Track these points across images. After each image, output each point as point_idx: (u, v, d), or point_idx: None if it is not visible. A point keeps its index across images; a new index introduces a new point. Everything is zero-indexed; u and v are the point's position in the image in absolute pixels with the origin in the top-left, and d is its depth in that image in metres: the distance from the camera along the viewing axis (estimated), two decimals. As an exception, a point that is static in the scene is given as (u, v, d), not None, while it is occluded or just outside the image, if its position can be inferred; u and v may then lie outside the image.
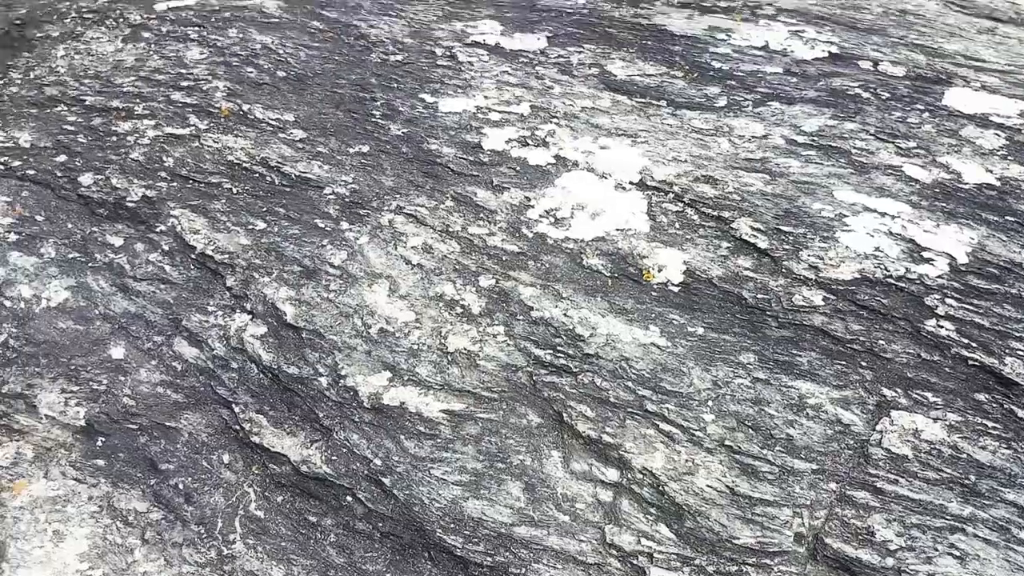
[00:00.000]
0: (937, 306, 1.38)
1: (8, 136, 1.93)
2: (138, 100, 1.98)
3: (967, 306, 1.38)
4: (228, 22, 2.26)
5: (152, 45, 2.18)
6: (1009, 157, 1.71)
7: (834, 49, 2.08)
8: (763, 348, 1.35)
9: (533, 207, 1.71)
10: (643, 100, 2.00)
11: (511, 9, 2.48)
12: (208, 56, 2.12)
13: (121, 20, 2.31)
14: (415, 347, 1.41)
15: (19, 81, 2.13)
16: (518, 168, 1.81)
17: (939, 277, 1.43)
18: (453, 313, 1.46)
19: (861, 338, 1.34)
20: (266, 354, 1.43)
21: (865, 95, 1.91)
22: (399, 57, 2.18)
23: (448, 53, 2.21)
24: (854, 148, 1.75)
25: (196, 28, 2.24)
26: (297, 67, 2.10)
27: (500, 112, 1.98)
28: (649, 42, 2.22)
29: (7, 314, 1.54)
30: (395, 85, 2.07)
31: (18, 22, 2.45)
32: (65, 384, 1.42)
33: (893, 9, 2.30)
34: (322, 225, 1.67)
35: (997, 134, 1.77)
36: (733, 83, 2.01)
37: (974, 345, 1.31)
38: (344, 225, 1.67)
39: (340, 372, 1.38)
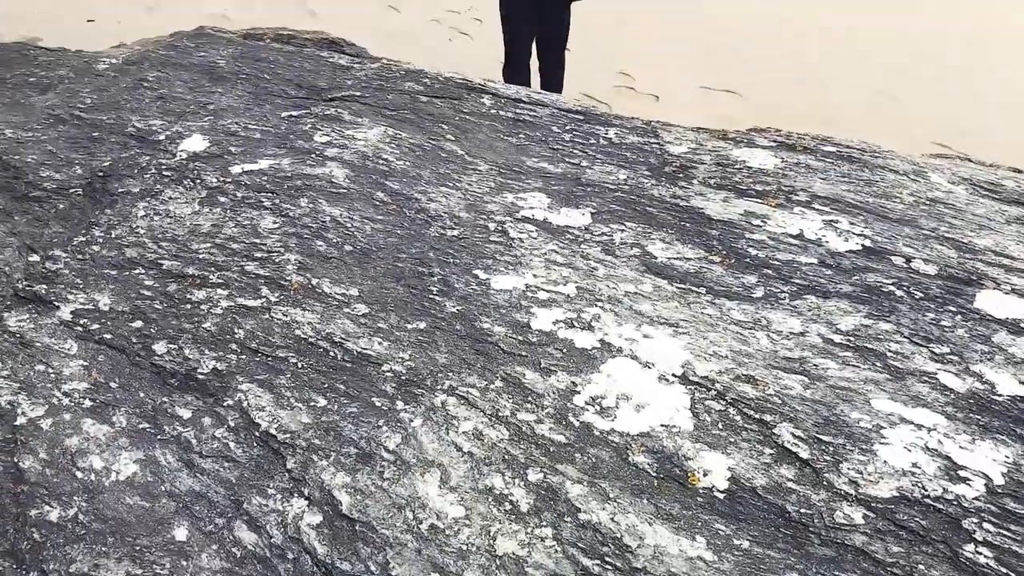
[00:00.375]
0: (975, 530, 1.42)
1: (89, 298, 2.07)
2: (213, 268, 2.12)
3: (1004, 532, 1.42)
4: (300, 191, 2.43)
5: (228, 211, 2.35)
6: (1041, 367, 1.78)
7: (867, 242, 2.18)
8: (807, 568, 1.39)
9: (579, 393, 1.79)
10: (683, 286, 2.10)
11: (558, 182, 2.64)
12: (280, 226, 2.28)
13: (198, 181, 2.50)
14: (464, 547, 1.47)
15: (101, 240, 2.29)
16: (564, 350, 1.91)
17: (976, 499, 1.47)
18: (502, 510, 1.53)
19: (901, 561, 1.39)
20: (321, 546, 1.49)
21: (899, 293, 2.01)
22: (455, 232, 2.32)
23: (500, 228, 2.35)
24: (889, 351, 1.83)
25: (269, 195, 2.41)
26: (363, 241, 2.24)
27: (548, 292, 2.09)
28: (687, 224, 2.35)
29: (78, 486, 1.63)
30: (451, 260, 2.20)
31: (101, 174, 2.64)
32: (130, 566, 1.49)
33: (924, 198, 2.42)
34: (379, 404, 1.76)
35: (1028, 342, 1.84)
36: (770, 272, 2.12)
37: (1013, 576, 1.35)
38: (399, 405, 1.76)
39: (391, 572, 1.44)
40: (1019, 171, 2.89)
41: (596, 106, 5.21)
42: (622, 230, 2.35)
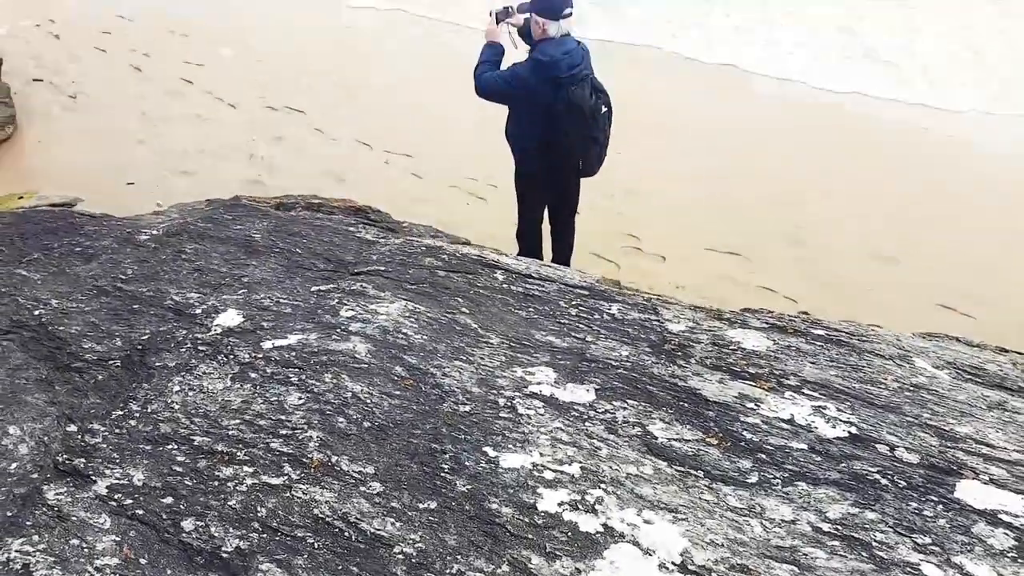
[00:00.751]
0: None
1: (124, 473, 2.22)
2: (240, 445, 2.28)
3: None
4: (324, 366, 2.62)
5: (257, 387, 2.53)
6: (1019, 560, 1.87)
7: (853, 429, 2.32)
8: None
9: (582, 578, 1.89)
10: (682, 469, 2.23)
11: (564, 356, 2.82)
12: (305, 402, 2.45)
13: (231, 357, 2.70)
14: None
15: (138, 414, 2.47)
16: (569, 534, 2.02)
17: None
18: None
19: None
20: None
21: (883, 482, 2.13)
22: (467, 407, 2.48)
23: (509, 404, 2.51)
24: (875, 541, 1.93)
25: (296, 371, 2.60)
26: (380, 417, 2.41)
27: (554, 471, 2.22)
28: (686, 404, 2.50)
29: (107, 664, 1.72)
30: (463, 436, 2.35)
31: (140, 347, 2.85)
32: None
33: (908, 384, 2.57)
34: (391, 586, 1.87)
35: (1006, 533, 1.94)
36: (763, 456, 2.25)
37: None
38: (410, 587, 1.86)
39: None
40: (1005, 351, 3.06)
41: (604, 266, 5.50)
42: (624, 408, 2.51)
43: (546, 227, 5.03)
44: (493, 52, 4.31)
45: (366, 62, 8.51)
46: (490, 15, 4.39)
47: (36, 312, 3.02)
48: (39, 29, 9.14)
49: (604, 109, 4.24)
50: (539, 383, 2.65)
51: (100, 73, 8.23)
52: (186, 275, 3.34)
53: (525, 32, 4.40)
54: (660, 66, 8.35)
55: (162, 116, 7.44)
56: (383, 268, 3.43)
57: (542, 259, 4.93)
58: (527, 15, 4.26)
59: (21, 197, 6.12)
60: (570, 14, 4.06)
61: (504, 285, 3.39)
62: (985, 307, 5.17)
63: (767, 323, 2.94)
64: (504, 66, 4.27)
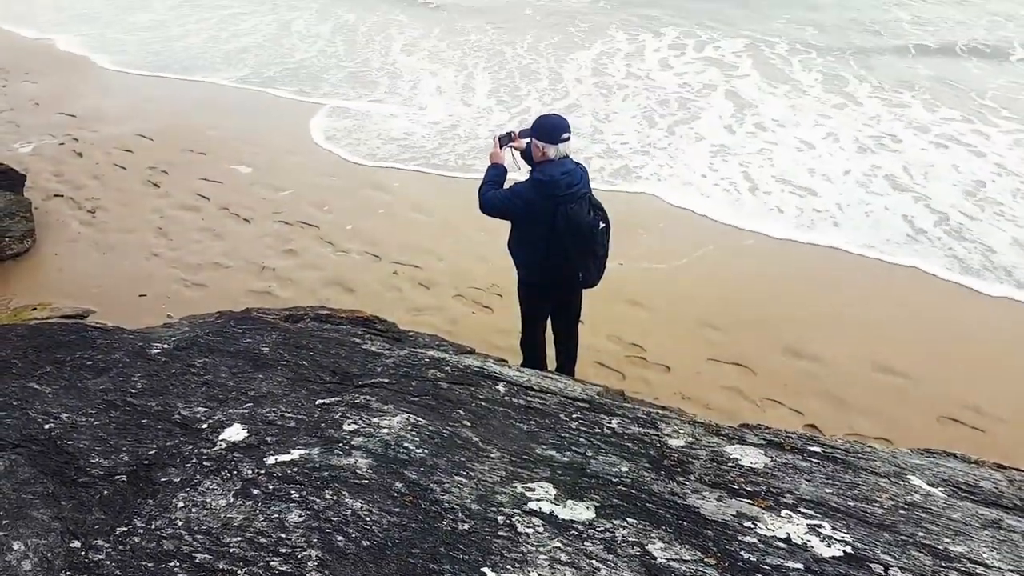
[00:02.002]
0: None
1: (125, 591, 2.23)
2: (241, 564, 2.29)
3: None
4: (326, 482, 2.65)
5: (259, 503, 2.56)
6: None
7: (849, 548, 2.33)
8: None
9: None
10: (681, 594, 2.23)
11: (564, 471, 2.85)
12: (305, 520, 2.48)
13: (235, 473, 2.74)
14: None
15: (142, 531, 2.49)
16: (566, 657, 2.01)
17: None
18: None
19: None
20: None
21: (881, 607, 2.12)
22: (466, 526, 2.50)
23: (508, 522, 2.53)
24: (874, 666, 1.92)
25: (298, 487, 2.63)
26: (379, 535, 2.43)
27: (552, 594, 2.22)
28: (685, 523, 2.52)
29: None
30: (461, 556, 2.36)
31: (146, 462, 2.89)
32: None
33: (903, 502, 2.59)
34: None
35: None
36: (761, 576, 2.25)
37: None
38: None
39: None
40: (1003, 467, 3.07)
41: (609, 375, 5.55)
42: (624, 527, 2.52)
43: (550, 336, 5.13)
44: (496, 172, 4.55)
45: (381, 200, 8.83)
46: (494, 139, 4.66)
47: (46, 426, 3.08)
48: (63, 147, 9.56)
49: (602, 225, 4.42)
50: (539, 499, 2.67)
51: (119, 189, 8.55)
52: (194, 389, 3.41)
53: (527, 154, 4.64)
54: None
55: (177, 230, 7.69)
56: (387, 380, 3.50)
57: (546, 368, 5.01)
58: (528, 139, 4.51)
59: (35, 309, 6.27)
60: (568, 139, 4.29)
61: (506, 397, 3.46)
62: (992, 420, 5.17)
63: (765, 439, 2.98)
64: (506, 185, 4.49)
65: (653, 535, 2.47)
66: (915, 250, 7.23)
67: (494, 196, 4.43)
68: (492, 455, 2.97)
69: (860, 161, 9.08)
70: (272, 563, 2.30)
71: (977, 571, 2.22)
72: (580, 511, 2.61)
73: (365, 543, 2.40)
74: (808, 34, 14.11)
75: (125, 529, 2.51)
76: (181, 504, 2.60)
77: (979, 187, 8.40)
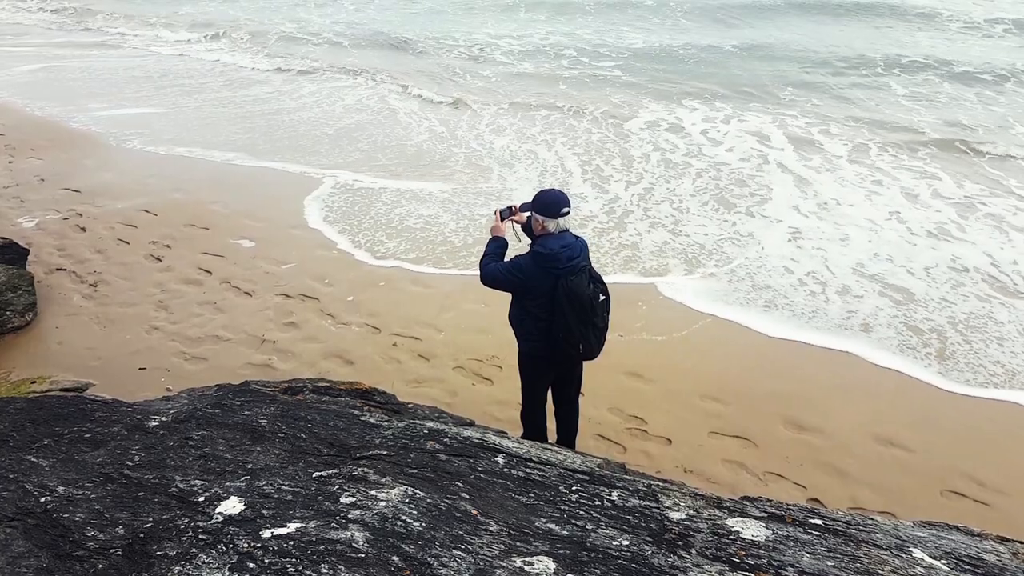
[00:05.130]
0: None
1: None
2: (235, 641, 2.25)
3: None
4: (322, 556, 2.62)
5: (253, 578, 2.52)
6: None
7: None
8: None
9: None
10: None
11: (564, 545, 2.81)
12: (300, 598, 2.44)
13: (231, 546, 2.70)
14: None
15: (134, 606, 2.45)
16: None
17: None
18: None
19: None
20: None
21: None
22: (464, 603, 2.46)
23: (508, 599, 2.49)
24: None
25: (293, 561, 2.60)
26: (375, 613, 2.39)
27: (552, 669, 2.17)
28: (688, 597, 2.48)
29: None
30: (458, 633, 2.32)
31: (142, 535, 2.86)
32: None
33: (905, 574, 2.55)
34: None
35: None
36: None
37: None
38: None
39: None
40: (1007, 540, 3.04)
41: (610, 448, 5.51)
42: (626, 606, 2.48)
43: (550, 408, 5.12)
44: (497, 245, 4.63)
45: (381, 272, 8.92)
46: (495, 213, 4.75)
47: (42, 499, 3.05)
48: (66, 222, 9.69)
49: (602, 297, 4.47)
50: (538, 573, 2.63)
51: (121, 263, 8.64)
52: (192, 462, 3.40)
53: (527, 228, 4.72)
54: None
55: (178, 304, 7.74)
56: (385, 452, 3.49)
57: (547, 440, 4.98)
58: (529, 213, 4.60)
59: (34, 382, 6.27)
60: (567, 212, 4.38)
61: (505, 469, 3.44)
62: (995, 494, 5.11)
63: (766, 512, 2.95)
64: (507, 258, 4.56)
65: (655, 611, 2.43)
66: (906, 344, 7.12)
67: (495, 268, 4.50)
68: (491, 528, 2.94)
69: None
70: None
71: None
72: (580, 588, 2.57)
73: (361, 621, 2.36)
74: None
75: (117, 607, 2.46)
76: (174, 581, 2.56)
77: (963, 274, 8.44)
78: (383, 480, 3.23)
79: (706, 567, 2.61)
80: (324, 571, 2.56)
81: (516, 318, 4.65)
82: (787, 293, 7.82)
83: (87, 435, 3.74)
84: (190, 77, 18.60)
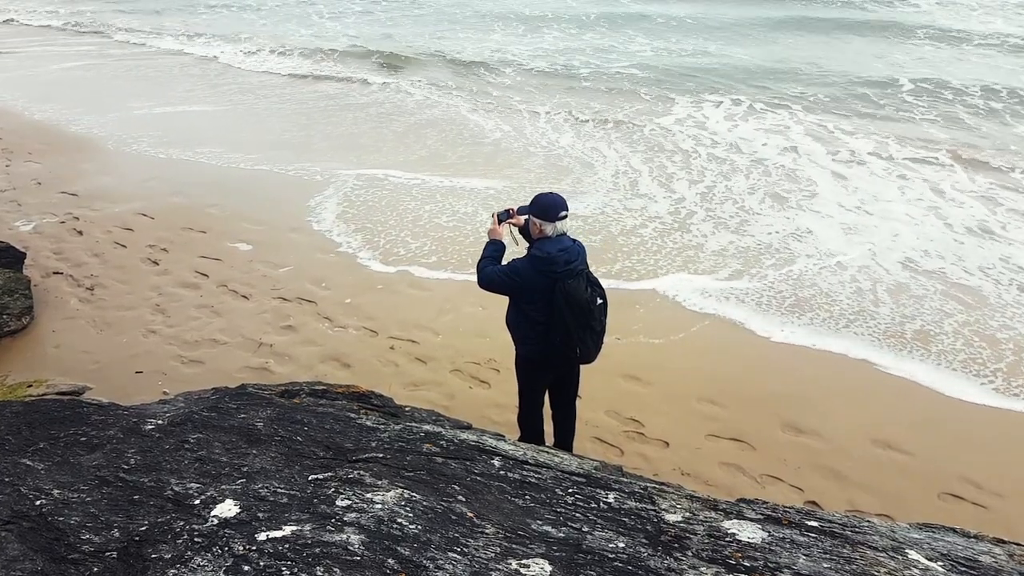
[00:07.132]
0: None
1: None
2: (229, 644, 2.25)
3: None
4: (317, 559, 2.62)
5: (249, 581, 2.52)
6: None
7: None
8: None
9: None
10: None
11: (560, 548, 2.81)
12: (295, 598, 2.43)
13: (226, 549, 2.70)
14: None
15: (129, 609, 2.44)
16: None
17: None
18: None
19: None
20: None
21: None
22: (460, 605, 2.45)
23: (503, 600, 2.48)
24: None
25: (289, 564, 2.59)
26: (370, 616, 2.38)
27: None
28: (684, 602, 2.47)
29: None
30: (454, 635, 2.31)
31: (137, 538, 2.85)
32: None
33: (903, 576, 2.55)
34: None
35: None
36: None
37: None
38: None
39: None
40: (1003, 541, 3.04)
41: (607, 451, 5.50)
42: (620, 610, 2.47)
43: (547, 411, 5.11)
44: (495, 248, 4.62)
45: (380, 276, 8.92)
46: (493, 216, 4.75)
47: (37, 502, 3.05)
48: (63, 226, 9.68)
49: (600, 301, 4.46)
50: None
51: (118, 266, 8.63)
52: (187, 465, 3.39)
53: (525, 231, 4.72)
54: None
55: (175, 307, 7.73)
56: (381, 455, 3.48)
57: (543, 443, 4.97)
58: (527, 216, 4.60)
59: (31, 386, 6.26)
60: (565, 216, 4.38)
61: (501, 472, 3.43)
62: (991, 496, 5.11)
63: (762, 514, 2.95)
64: (505, 261, 4.56)
65: (651, 614, 2.42)
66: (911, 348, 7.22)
67: (492, 271, 4.49)
68: (487, 530, 2.93)
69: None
70: (261, 642, 2.25)
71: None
72: (575, 594, 2.56)
73: (356, 623, 2.35)
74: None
75: (112, 608, 2.46)
76: (170, 581, 2.56)
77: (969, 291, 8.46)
78: (379, 483, 3.22)
79: (702, 569, 2.61)
80: (319, 574, 2.55)
81: (514, 322, 4.65)
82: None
83: (83, 438, 3.73)
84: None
